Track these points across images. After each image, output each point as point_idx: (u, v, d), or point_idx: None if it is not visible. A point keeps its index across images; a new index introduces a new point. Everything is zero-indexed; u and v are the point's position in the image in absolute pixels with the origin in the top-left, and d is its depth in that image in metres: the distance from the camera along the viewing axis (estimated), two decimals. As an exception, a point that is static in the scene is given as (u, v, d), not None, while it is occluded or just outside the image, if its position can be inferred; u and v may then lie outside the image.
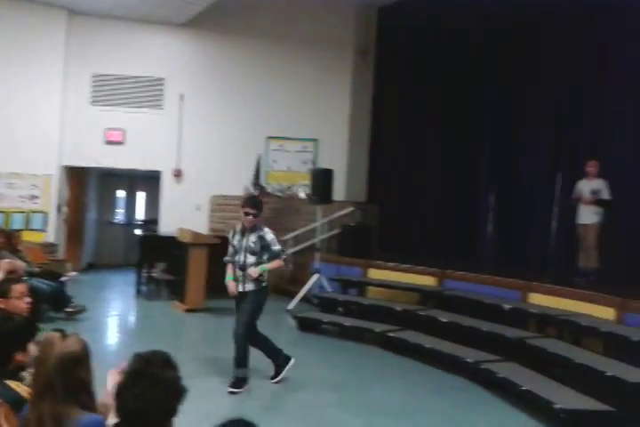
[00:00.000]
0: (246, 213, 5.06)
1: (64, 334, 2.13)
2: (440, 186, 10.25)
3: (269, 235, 5.13)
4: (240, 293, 5.16)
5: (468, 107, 9.86)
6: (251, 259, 5.08)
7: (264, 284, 5.17)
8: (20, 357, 2.63)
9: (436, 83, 10.15)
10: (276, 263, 5.19)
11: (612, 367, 4.90)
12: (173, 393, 1.89)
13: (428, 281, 7.86)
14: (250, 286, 5.13)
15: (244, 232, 5.16)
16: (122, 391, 1.87)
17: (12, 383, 2.50)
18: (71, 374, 2.05)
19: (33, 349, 2.70)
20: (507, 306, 6.38)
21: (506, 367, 5.38)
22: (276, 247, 5.15)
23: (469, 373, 5.61)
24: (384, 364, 6.20)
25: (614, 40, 8.03)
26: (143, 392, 1.84)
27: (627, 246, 7.62)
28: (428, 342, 6.26)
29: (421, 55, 10.18)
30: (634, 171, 7.65)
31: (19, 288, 3.67)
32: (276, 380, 5.29)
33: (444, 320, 6.53)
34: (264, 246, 5.09)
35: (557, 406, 4.40)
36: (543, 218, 8.08)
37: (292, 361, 5.37)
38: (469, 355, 5.74)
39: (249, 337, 5.14)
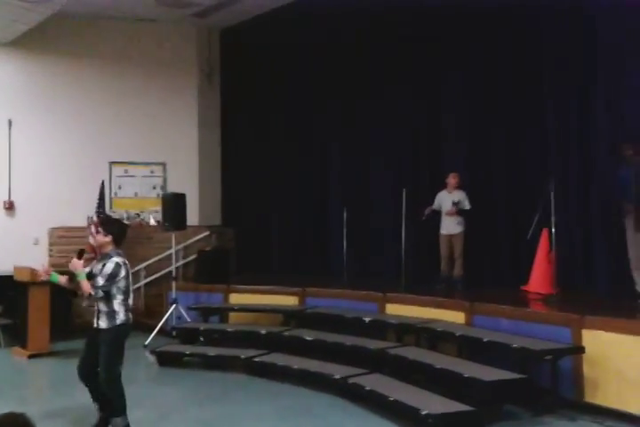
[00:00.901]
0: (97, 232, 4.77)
1: None
2: (295, 205, 10.36)
3: (109, 265, 4.59)
4: (94, 329, 4.73)
5: (314, 122, 10.15)
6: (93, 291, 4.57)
7: (119, 321, 4.65)
8: None
9: (281, 99, 10.31)
10: (85, 284, 4.55)
11: (469, 368, 5.16)
12: None
13: (289, 301, 7.84)
14: (102, 324, 4.66)
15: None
16: None
17: None
18: None
19: None
20: (367, 319, 6.53)
21: (372, 380, 5.47)
22: (100, 280, 4.57)
23: (338, 389, 5.63)
24: (252, 391, 6.02)
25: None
26: None
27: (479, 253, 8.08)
28: (295, 362, 6.21)
29: (268, 74, 10.29)
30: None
31: None
32: None
33: (308, 339, 6.53)
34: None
35: (424, 411, 4.53)
36: (395, 231, 8.40)
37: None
38: (336, 371, 5.77)
39: (115, 380, 4.68)
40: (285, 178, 10.38)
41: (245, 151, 10.57)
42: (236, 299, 8.34)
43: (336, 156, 10.04)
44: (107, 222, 4.98)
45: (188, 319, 8.32)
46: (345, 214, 8.61)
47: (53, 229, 9.49)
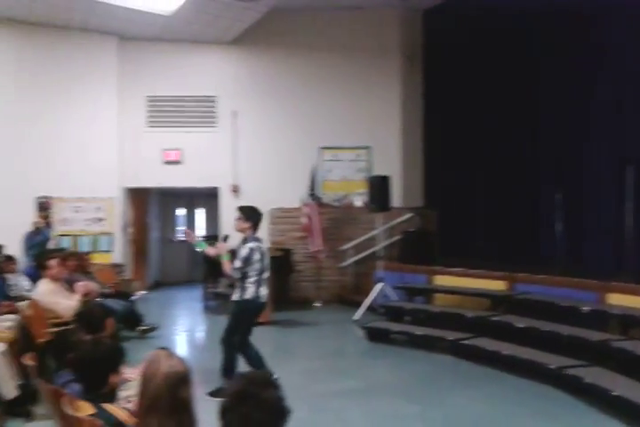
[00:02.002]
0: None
1: (169, 353, 2.14)
2: (501, 186, 9.96)
3: (243, 250, 5.07)
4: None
5: (523, 105, 9.60)
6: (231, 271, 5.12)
7: (247, 296, 5.09)
8: (114, 378, 2.66)
9: (487, 82, 9.92)
10: (227, 265, 5.12)
11: None
12: (277, 413, 1.86)
13: (497, 285, 7.64)
14: (235, 297, 5.18)
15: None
16: (226, 412, 1.85)
17: (108, 406, 2.53)
18: (177, 393, 2.06)
19: (124, 370, 2.75)
20: (585, 308, 6.12)
21: (592, 372, 5.15)
22: (237, 262, 5.06)
23: (552, 379, 5.39)
24: (459, 373, 6.03)
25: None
26: (248, 413, 1.82)
27: None
28: (505, 348, 6.06)
29: (470, 56, 9.98)
30: None
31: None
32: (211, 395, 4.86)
33: (520, 326, 6.31)
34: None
35: (655, 412, 4.17)
36: (616, 214, 7.71)
37: None
38: (551, 361, 5.52)
39: (233, 345, 5.14)
40: (491, 161, 10.03)
41: (448, 134, 10.43)
42: (440, 281, 8.37)
43: (548, 139, 9.44)
44: (246, 210, 5.31)
45: (394, 298, 8.55)
46: (558, 197, 8.10)
47: (272, 210, 10.37)
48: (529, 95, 9.52)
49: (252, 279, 5.11)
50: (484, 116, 10.08)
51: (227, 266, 5.15)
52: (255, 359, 5.20)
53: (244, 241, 5.19)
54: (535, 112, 9.51)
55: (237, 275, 5.07)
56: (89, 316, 3.65)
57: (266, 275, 5.27)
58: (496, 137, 9.95)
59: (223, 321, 8.79)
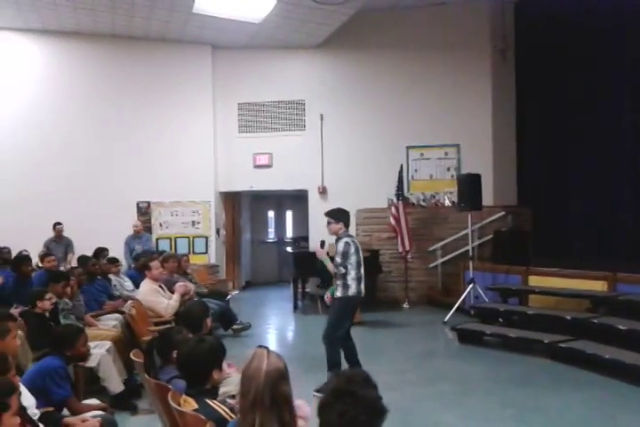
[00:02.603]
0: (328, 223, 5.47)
1: (268, 351, 2.24)
2: (595, 184, 9.50)
3: (339, 245, 5.30)
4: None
5: (621, 100, 9.10)
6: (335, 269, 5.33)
7: (350, 293, 5.29)
8: (216, 375, 2.80)
9: (584, 77, 9.48)
10: (330, 266, 5.36)
11: None
12: (374, 412, 1.89)
13: (596, 286, 7.28)
14: (338, 293, 5.36)
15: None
16: (324, 408, 1.91)
17: (211, 402, 2.66)
18: (277, 389, 2.15)
19: (226, 367, 2.87)
20: (695, 310, 5.73)
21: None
22: (337, 259, 5.29)
23: (659, 385, 5.10)
24: (558, 377, 5.81)
25: None
26: (346, 410, 1.86)
27: None
28: (607, 352, 5.78)
29: (564, 50, 9.57)
30: None
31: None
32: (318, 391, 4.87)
33: (622, 328, 5.99)
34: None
35: None
36: None
37: None
38: (657, 366, 5.22)
39: (333, 340, 5.31)
40: (588, 158, 9.58)
41: (542, 130, 10.05)
42: (535, 281, 8.08)
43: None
44: (333, 213, 5.53)
45: (486, 299, 8.35)
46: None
47: (359, 211, 10.41)
48: (627, 91, 9.02)
49: (352, 275, 5.33)
50: (580, 111, 9.64)
51: (330, 266, 5.41)
52: (353, 354, 5.44)
53: (337, 240, 5.43)
54: (635, 107, 8.99)
55: (341, 270, 5.30)
56: (189, 314, 3.84)
57: (362, 269, 5.45)
58: (593, 133, 9.49)
59: (312, 320, 9.12)
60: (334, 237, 5.54)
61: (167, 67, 10.67)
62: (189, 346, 2.83)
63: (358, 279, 5.37)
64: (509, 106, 10.48)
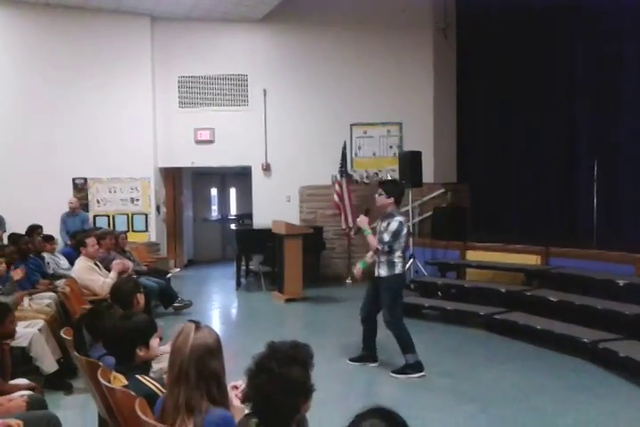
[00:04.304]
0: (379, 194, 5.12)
1: (198, 326, 2.19)
2: (534, 160, 9.78)
3: (394, 224, 4.98)
4: (375, 277, 5.19)
5: (559, 75, 9.33)
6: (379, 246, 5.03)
7: (397, 271, 5.07)
8: (142, 353, 2.73)
9: (521, 55, 9.65)
10: (372, 239, 5.06)
11: None
12: (291, 391, 1.85)
13: (530, 260, 7.55)
14: (383, 273, 5.10)
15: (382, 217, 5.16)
16: (248, 379, 1.89)
17: (141, 378, 2.61)
18: (204, 364, 2.10)
19: (154, 344, 2.81)
20: (621, 282, 6.00)
21: (627, 346, 5.08)
22: (385, 236, 5.00)
23: (587, 353, 5.35)
24: (493, 347, 6.01)
25: None
26: (260, 386, 1.84)
27: None
28: (539, 323, 6.01)
29: (504, 28, 9.70)
30: None
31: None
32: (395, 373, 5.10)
33: (553, 300, 6.24)
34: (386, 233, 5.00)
35: (692, 386, 4.09)
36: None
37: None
38: (585, 335, 5.46)
39: (397, 321, 5.11)
40: (524, 134, 9.82)
41: (481, 108, 10.22)
42: (472, 256, 8.31)
43: (582, 109, 9.16)
44: (388, 185, 5.25)
45: (426, 273, 8.53)
46: (595, 168, 7.90)
47: (303, 188, 10.37)
48: (564, 65, 9.26)
49: (398, 253, 5.07)
50: (518, 88, 9.84)
51: (371, 240, 5.09)
52: (371, 338, 5.29)
53: (389, 216, 5.06)
54: (571, 81, 9.25)
55: (386, 249, 5.01)
56: (118, 291, 3.75)
57: (405, 250, 5.22)
58: (530, 109, 9.72)
59: (255, 297, 9.11)
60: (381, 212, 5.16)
61: (104, 38, 10.22)
62: (113, 323, 2.76)
63: (403, 258, 5.14)
64: (450, 84, 10.59)
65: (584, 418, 4.10)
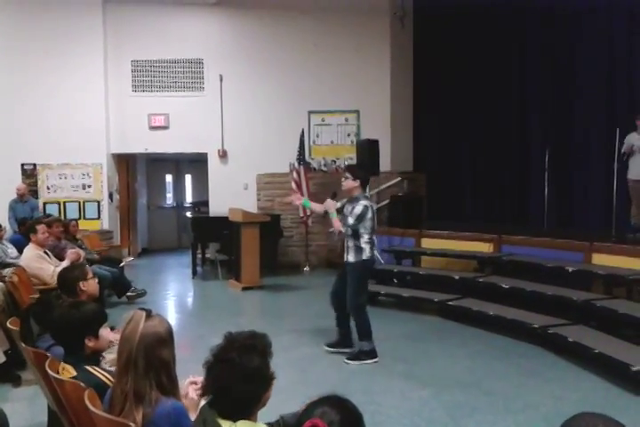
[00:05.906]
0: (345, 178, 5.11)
1: (149, 314, 2.13)
2: (488, 149, 9.97)
3: (358, 207, 4.97)
4: (344, 262, 5.19)
5: (513, 65, 9.51)
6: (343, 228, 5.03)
7: (364, 256, 5.04)
8: (92, 343, 2.66)
9: (477, 44, 9.79)
10: (336, 222, 5.04)
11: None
12: (251, 381, 1.83)
13: (483, 248, 7.70)
14: (350, 258, 5.09)
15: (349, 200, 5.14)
16: (206, 369, 1.86)
17: (90, 369, 2.54)
18: (153, 353, 2.05)
19: (105, 334, 2.74)
20: (570, 268, 6.18)
21: (575, 331, 5.24)
22: (350, 220, 4.98)
23: (537, 338, 5.49)
24: (446, 333, 6.12)
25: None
26: (220, 376, 1.81)
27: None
28: (491, 309, 6.14)
29: (460, 17, 9.79)
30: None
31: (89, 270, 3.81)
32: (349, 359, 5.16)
33: (505, 286, 6.39)
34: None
35: (635, 368, 4.25)
36: (601, 176, 7.76)
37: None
38: (535, 320, 5.61)
39: (360, 307, 5.12)
40: (480, 123, 9.98)
41: (437, 97, 10.31)
42: (427, 244, 8.41)
43: (536, 98, 9.37)
44: (354, 169, 5.26)
45: (382, 261, 8.60)
46: (547, 158, 8.09)
47: (260, 176, 10.29)
48: (518, 56, 9.43)
49: (365, 238, 5.04)
50: (474, 77, 9.98)
51: (336, 223, 5.06)
52: (367, 325, 5.18)
53: (354, 200, 5.05)
54: (524, 72, 9.44)
55: (349, 232, 4.99)
56: (62, 279, 3.64)
57: (374, 236, 5.18)
58: (485, 99, 9.88)
59: (212, 285, 9.03)
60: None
61: (55, 21, 9.86)
62: (60, 312, 2.67)
63: (372, 243, 5.09)
64: (407, 73, 10.64)
65: (534, 401, 4.21)
